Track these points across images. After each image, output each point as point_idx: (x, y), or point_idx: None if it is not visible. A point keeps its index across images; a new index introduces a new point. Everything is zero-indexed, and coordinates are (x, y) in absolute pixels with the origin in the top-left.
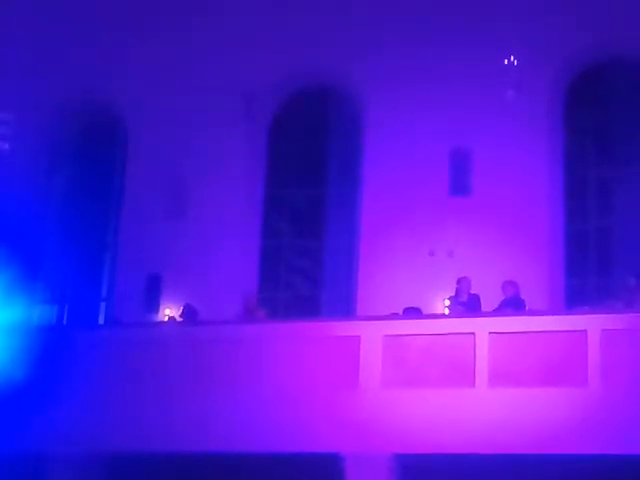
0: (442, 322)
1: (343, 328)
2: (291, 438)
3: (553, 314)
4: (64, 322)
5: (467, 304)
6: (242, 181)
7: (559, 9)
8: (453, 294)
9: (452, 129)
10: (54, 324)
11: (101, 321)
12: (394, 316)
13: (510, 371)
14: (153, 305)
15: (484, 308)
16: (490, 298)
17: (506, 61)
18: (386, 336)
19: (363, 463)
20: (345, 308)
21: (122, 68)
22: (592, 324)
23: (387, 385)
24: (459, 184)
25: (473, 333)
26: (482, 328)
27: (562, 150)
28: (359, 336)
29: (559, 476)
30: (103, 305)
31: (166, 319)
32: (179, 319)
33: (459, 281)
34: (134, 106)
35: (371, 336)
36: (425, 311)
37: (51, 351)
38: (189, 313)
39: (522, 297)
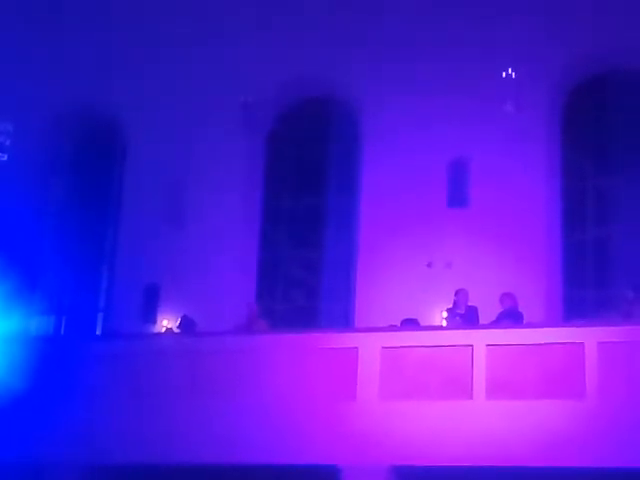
0: (440, 334)
1: (341, 339)
2: (289, 449)
3: (551, 326)
4: (62, 333)
5: (465, 316)
6: (240, 192)
7: (557, 21)
8: (451, 306)
9: (450, 140)
10: (52, 335)
11: (99, 332)
12: (392, 328)
13: (508, 383)
14: (151, 316)
15: (482, 320)
16: (488, 310)
17: (504, 73)
18: (384, 348)
19: (361, 475)
20: (343, 319)
21: (121, 77)
22: (590, 336)
23: (385, 397)
24: (457, 195)
25: (471, 345)
26: (480, 340)
27: (560, 161)
28: (357, 348)
29: None
30: (101, 316)
31: (164, 330)
32: (177, 330)
33: (457, 293)
34: (133, 116)
35: (369, 348)
36: (423, 323)
37: (49, 362)
38: (187, 324)
39: (520, 309)
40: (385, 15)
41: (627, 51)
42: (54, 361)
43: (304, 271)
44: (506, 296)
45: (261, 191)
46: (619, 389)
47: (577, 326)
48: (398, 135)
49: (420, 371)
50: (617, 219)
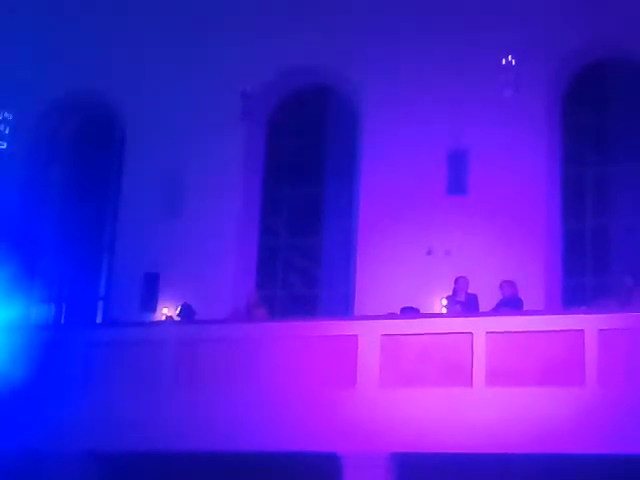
0: (440, 321)
1: (341, 327)
2: (288, 437)
3: (550, 314)
4: (62, 321)
5: (465, 303)
6: (240, 180)
7: (557, 8)
8: (451, 293)
9: (450, 128)
10: (52, 323)
11: (99, 320)
12: (392, 315)
13: (507, 370)
14: (151, 304)
15: (482, 308)
16: (488, 298)
17: (504, 61)
18: (384, 335)
19: (361, 462)
20: (343, 307)
21: (120, 67)
22: (589, 324)
23: (385, 384)
24: (457, 183)
25: (471, 332)
26: (480, 327)
27: (559, 149)
28: (357, 335)
29: (556, 475)
30: (101, 304)
31: (164, 318)
32: (177, 318)
33: (457, 280)
34: (132, 105)
35: (369, 335)
36: (423, 310)
37: (49, 350)
38: (187, 312)
39: (520, 297)
40: (384, 5)
41: (627, 38)
42: (54, 349)
43: (304, 259)
44: (506, 283)
45: (261, 179)
46: (619, 376)
47: (577, 313)
48: (397, 123)
49: (420, 359)
50: (617, 207)
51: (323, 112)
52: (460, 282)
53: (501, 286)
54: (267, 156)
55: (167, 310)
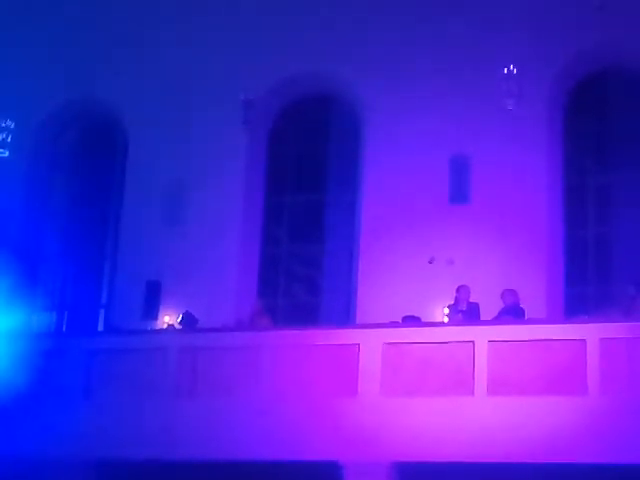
0: (441, 330)
1: (342, 336)
2: (290, 446)
3: (552, 323)
4: (63, 329)
5: (466, 312)
6: (242, 188)
7: (558, 18)
8: (452, 302)
9: (452, 137)
10: (53, 331)
11: (100, 328)
12: (393, 324)
13: (509, 379)
14: (152, 312)
15: (483, 317)
16: (489, 306)
17: (506, 69)
18: (385, 344)
19: (362, 471)
20: (345, 316)
21: (121, 75)
22: (591, 333)
23: (386, 393)
24: (459, 191)
25: (472, 341)
26: (481, 336)
27: (561, 158)
28: (358, 344)
29: None
30: (102, 312)
31: (165, 326)
32: (178, 326)
33: (458, 289)
34: (134, 112)
35: (370, 344)
36: (424, 319)
37: (50, 358)
38: (188, 320)
39: (521, 306)
40: (386, 11)
41: (629, 48)
42: (56, 357)
43: (306, 267)
44: (508, 292)
45: (262, 187)
46: (621, 385)
47: (579, 322)
48: (399, 131)
49: (421, 368)
50: (618, 215)
51: (325, 120)
52: (462, 291)
53: (503, 295)
54: (269, 164)
55: (169, 318)
